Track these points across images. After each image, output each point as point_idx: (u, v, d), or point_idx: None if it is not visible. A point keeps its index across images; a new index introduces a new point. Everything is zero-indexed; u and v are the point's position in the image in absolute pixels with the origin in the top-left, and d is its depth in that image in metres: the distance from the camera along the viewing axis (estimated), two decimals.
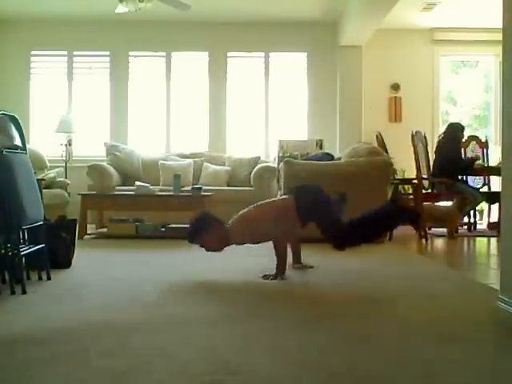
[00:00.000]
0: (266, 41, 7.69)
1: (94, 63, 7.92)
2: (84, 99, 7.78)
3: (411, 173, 6.43)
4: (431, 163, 6.24)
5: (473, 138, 6.86)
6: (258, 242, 3.41)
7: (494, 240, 5.51)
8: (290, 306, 2.51)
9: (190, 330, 2.08)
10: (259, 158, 7.09)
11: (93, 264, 3.75)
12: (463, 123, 6.83)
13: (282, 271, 3.23)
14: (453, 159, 5.93)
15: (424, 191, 5.90)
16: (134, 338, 1.97)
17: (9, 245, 2.75)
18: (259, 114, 7.81)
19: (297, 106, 7.84)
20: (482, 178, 6.58)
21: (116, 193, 6.00)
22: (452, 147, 6.00)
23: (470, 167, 6.03)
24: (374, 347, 1.88)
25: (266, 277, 3.19)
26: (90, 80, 7.84)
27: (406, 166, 7.03)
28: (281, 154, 6.63)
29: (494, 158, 7.19)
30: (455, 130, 6.12)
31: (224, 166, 7.11)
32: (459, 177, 6.21)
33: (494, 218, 6.21)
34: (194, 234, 3.32)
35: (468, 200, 5.72)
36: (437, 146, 6.30)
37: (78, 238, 4.70)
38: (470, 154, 6.56)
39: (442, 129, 7.82)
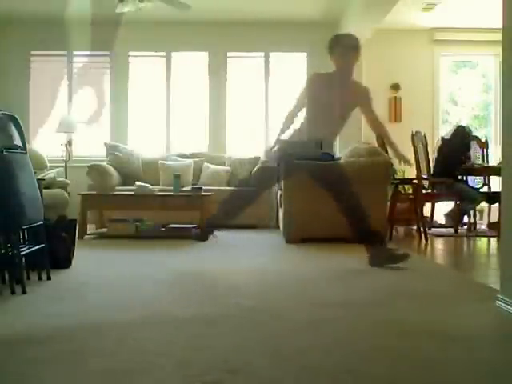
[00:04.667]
0: (265, 41, 7.69)
1: (94, 63, 7.92)
2: (84, 99, 7.78)
3: (411, 173, 6.44)
4: (431, 163, 6.24)
5: (473, 137, 6.87)
6: None
7: (494, 240, 5.51)
8: (289, 307, 2.51)
9: (189, 330, 2.08)
10: (259, 158, 7.09)
11: (93, 264, 3.75)
12: (463, 123, 6.84)
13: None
14: (457, 158, 5.96)
15: (424, 191, 5.90)
16: (134, 338, 1.97)
17: (9, 245, 2.75)
18: (259, 113, 7.81)
19: None
20: (481, 177, 6.59)
21: (116, 193, 6.00)
22: (457, 148, 6.04)
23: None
24: (374, 348, 1.88)
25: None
26: (90, 80, 7.84)
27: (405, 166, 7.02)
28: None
29: (494, 158, 7.20)
30: (464, 133, 6.16)
31: (224, 166, 7.11)
32: (459, 177, 6.23)
33: (494, 218, 6.21)
34: None
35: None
36: (440, 146, 6.31)
37: (78, 238, 4.70)
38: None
39: (442, 129, 7.84)
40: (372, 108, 3.75)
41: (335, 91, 3.61)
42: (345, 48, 3.61)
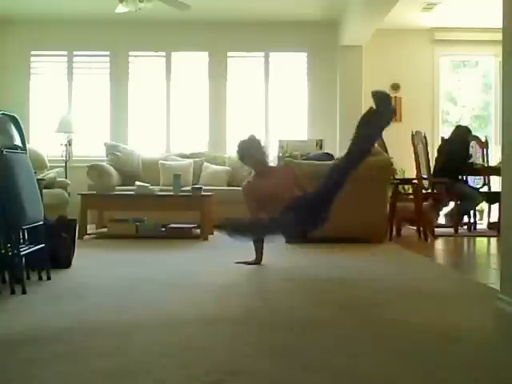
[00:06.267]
0: (265, 41, 7.69)
1: (94, 63, 7.92)
2: (84, 99, 7.78)
3: (411, 173, 6.43)
4: (431, 163, 6.24)
5: (473, 137, 6.87)
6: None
7: (494, 240, 5.51)
8: (289, 307, 2.51)
9: (190, 330, 2.08)
10: None
11: (93, 264, 3.75)
12: (463, 123, 6.84)
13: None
14: (459, 159, 5.97)
15: (424, 191, 5.90)
16: (134, 338, 1.97)
17: (9, 245, 2.75)
18: (259, 113, 7.81)
19: (297, 106, 7.84)
20: (481, 177, 6.59)
21: (116, 193, 5.99)
22: (459, 148, 6.04)
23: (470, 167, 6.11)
24: (374, 348, 1.88)
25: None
26: (90, 80, 7.84)
27: (406, 166, 7.03)
28: (281, 154, 6.62)
29: (494, 158, 7.20)
30: (464, 133, 6.16)
31: (224, 165, 7.11)
32: (459, 177, 6.23)
33: (494, 218, 6.21)
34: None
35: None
36: (440, 146, 6.32)
37: (78, 238, 4.70)
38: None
39: (442, 129, 7.84)
40: (299, 181, 3.80)
41: (268, 184, 3.71)
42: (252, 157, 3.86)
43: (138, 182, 5.98)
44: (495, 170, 5.93)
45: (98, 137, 7.63)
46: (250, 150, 3.80)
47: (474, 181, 6.74)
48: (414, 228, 5.83)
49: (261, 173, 3.78)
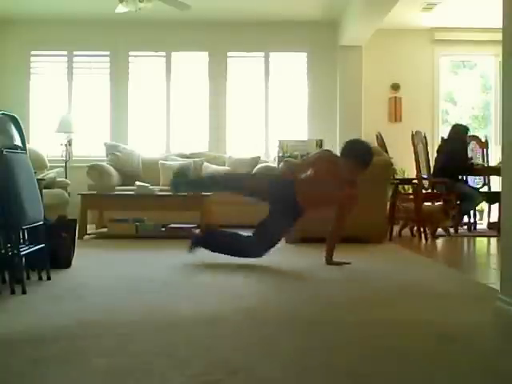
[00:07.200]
0: (265, 41, 7.69)
1: (94, 63, 7.93)
2: (84, 99, 7.78)
3: (411, 173, 6.44)
4: (431, 163, 6.25)
5: (473, 137, 6.87)
6: None
7: (494, 240, 5.51)
8: (289, 307, 2.51)
9: (189, 330, 2.08)
10: (259, 158, 7.09)
11: (93, 264, 3.75)
12: (463, 123, 6.84)
13: None
14: (460, 158, 5.96)
15: (424, 191, 5.90)
16: (134, 338, 1.97)
17: (9, 245, 2.75)
18: (259, 113, 7.81)
19: (297, 106, 7.84)
20: (481, 177, 6.59)
21: (116, 193, 5.99)
22: (459, 147, 6.04)
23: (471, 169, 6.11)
24: (374, 348, 1.88)
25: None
26: (90, 80, 7.84)
27: (406, 166, 7.03)
28: (281, 154, 6.63)
29: (494, 158, 7.20)
30: (462, 131, 6.17)
31: (224, 166, 7.11)
32: (459, 177, 6.23)
33: (494, 218, 6.21)
34: None
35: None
36: (440, 145, 6.32)
37: (78, 238, 4.70)
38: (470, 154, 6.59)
39: (442, 129, 7.84)
40: (349, 211, 3.77)
41: (336, 182, 3.67)
42: (361, 164, 3.71)
43: (138, 182, 5.98)
44: (495, 170, 5.93)
45: (98, 137, 7.63)
46: (358, 155, 3.68)
47: (474, 181, 6.73)
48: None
49: (343, 178, 3.68)
